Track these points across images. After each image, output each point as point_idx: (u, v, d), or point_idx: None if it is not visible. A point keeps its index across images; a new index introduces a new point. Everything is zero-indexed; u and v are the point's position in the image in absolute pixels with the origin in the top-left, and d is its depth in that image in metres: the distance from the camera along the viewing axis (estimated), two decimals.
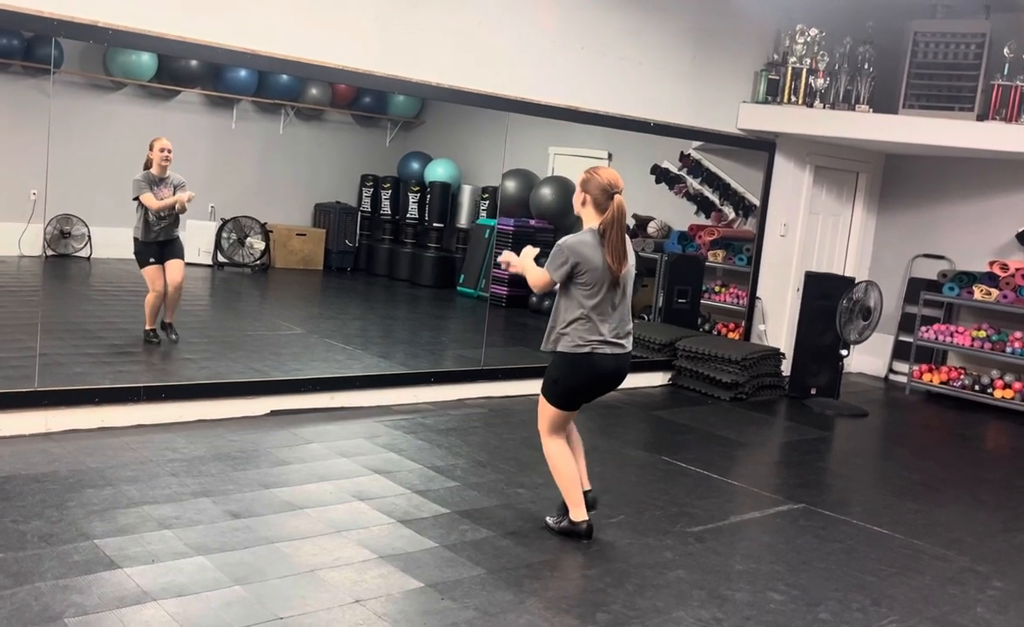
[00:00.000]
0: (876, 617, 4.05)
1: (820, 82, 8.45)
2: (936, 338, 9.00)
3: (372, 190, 12.71)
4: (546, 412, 4.49)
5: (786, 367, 8.71)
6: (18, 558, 3.69)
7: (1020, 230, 8.73)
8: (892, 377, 9.74)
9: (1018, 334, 8.47)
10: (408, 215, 12.37)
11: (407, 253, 12.31)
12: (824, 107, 8.49)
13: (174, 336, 7.25)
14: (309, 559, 3.98)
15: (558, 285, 4.37)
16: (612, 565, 4.28)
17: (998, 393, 8.56)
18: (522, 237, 10.89)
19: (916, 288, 9.36)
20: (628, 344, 4.47)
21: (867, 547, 4.88)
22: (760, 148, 8.86)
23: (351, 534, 4.28)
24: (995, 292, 8.52)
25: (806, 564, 4.56)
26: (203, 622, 3.36)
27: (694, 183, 9.90)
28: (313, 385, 6.35)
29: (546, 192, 11.02)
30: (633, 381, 8.03)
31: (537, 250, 4.57)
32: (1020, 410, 8.45)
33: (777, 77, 8.61)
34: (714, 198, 9.89)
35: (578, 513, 4.49)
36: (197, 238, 10.55)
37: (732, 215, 9.83)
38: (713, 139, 8.70)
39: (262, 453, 5.29)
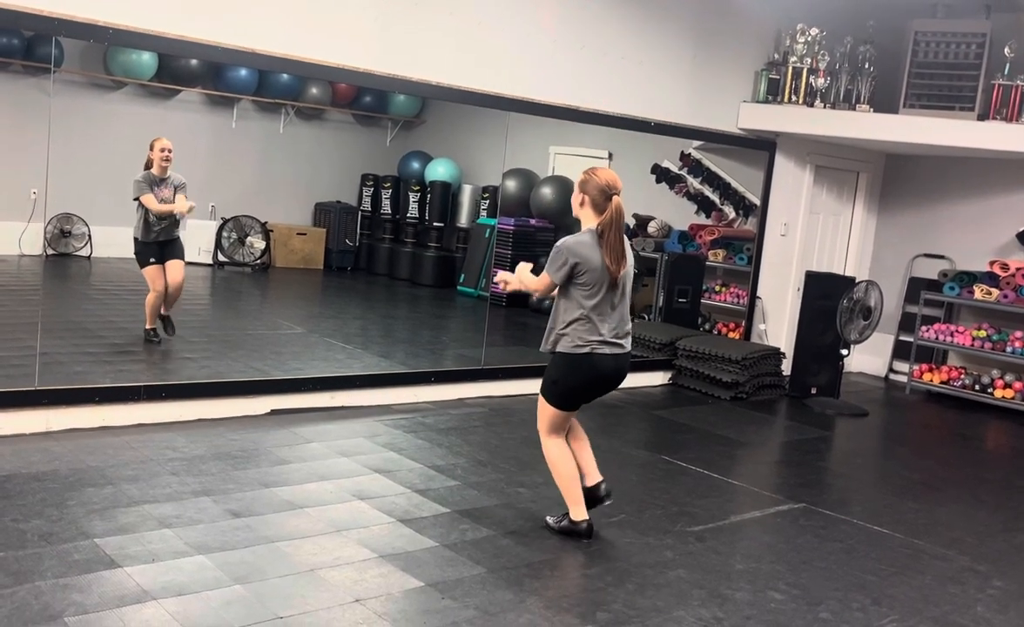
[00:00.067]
0: (876, 616, 4.05)
1: (821, 82, 8.45)
2: (936, 338, 9.00)
3: (372, 189, 12.71)
4: (545, 412, 4.48)
5: (786, 367, 8.71)
6: (18, 557, 3.69)
7: (1020, 230, 8.73)
8: (892, 377, 9.74)
9: (1018, 334, 8.47)
10: (408, 214, 12.37)
11: (407, 252, 12.31)
12: (825, 107, 8.49)
13: (171, 329, 7.25)
14: (309, 558, 3.98)
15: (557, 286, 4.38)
16: (612, 564, 4.28)
17: (998, 393, 8.56)
18: (522, 236, 10.91)
19: (916, 288, 9.36)
20: (627, 344, 4.47)
21: (867, 546, 4.88)
22: (760, 148, 8.85)
23: (351, 533, 4.28)
24: (995, 292, 8.52)
25: (806, 563, 4.56)
26: (203, 621, 3.36)
27: (694, 182, 9.90)
28: (313, 384, 6.35)
29: (546, 191, 11.01)
30: (633, 380, 8.02)
31: (531, 265, 4.59)
32: (1020, 410, 8.45)
33: (778, 76, 8.61)
34: (714, 198, 9.89)
35: (578, 512, 4.49)
36: (197, 237, 10.54)
37: (732, 215, 9.83)
38: (714, 138, 8.70)
39: (262, 452, 5.29)
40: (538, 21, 7.10)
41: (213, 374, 6.52)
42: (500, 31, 6.90)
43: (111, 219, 9.32)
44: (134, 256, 7.15)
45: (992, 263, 8.69)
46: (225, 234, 10.99)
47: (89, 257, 10.06)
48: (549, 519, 4.60)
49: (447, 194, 12.17)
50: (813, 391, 8.41)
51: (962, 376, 8.87)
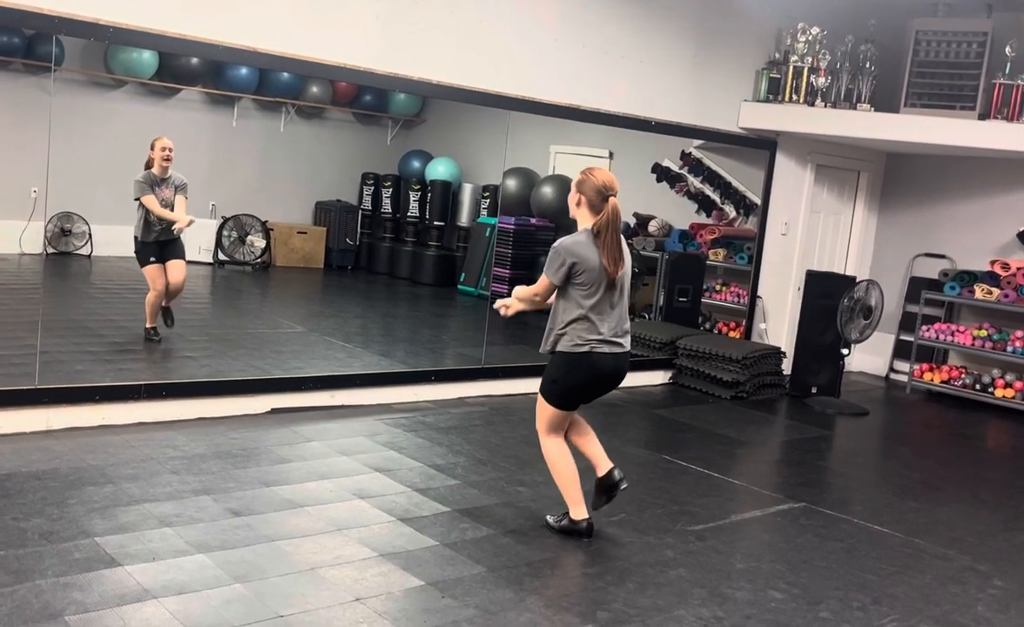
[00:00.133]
0: (877, 616, 4.04)
1: (821, 81, 8.45)
2: (937, 337, 9.00)
3: (373, 188, 12.71)
4: (544, 411, 4.48)
5: (787, 366, 8.70)
6: (19, 556, 3.69)
7: (1021, 229, 8.72)
8: (893, 376, 9.73)
9: (1019, 333, 8.47)
10: (409, 213, 12.37)
11: (408, 251, 12.31)
12: (825, 106, 8.49)
13: (171, 321, 7.25)
14: (310, 557, 3.98)
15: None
16: (613, 563, 4.28)
17: (999, 392, 8.56)
18: (523, 236, 10.90)
19: (917, 287, 9.35)
20: (627, 343, 4.47)
21: (868, 546, 4.88)
22: (761, 147, 8.85)
23: (351, 532, 4.28)
24: (996, 291, 8.52)
25: (807, 563, 4.56)
26: (204, 620, 3.36)
27: (695, 182, 9.90)
28: (314, 383, 6.35)
29: (547, 191, 11.01)
30: (634, 380, 8.02)
31: (522, 286, 4.62)
32: (1021, 409, 8.44)
33: (779, 76, 8.61)
34: (715, 197, 9.89)
35: (578, 511, 4.49)
36: (198, 236, 10.53)
37: (733, 214, 9.83)
38: (714, 138, 8.69)
39: (263, 451, 5.29)
40: (539, 20, 7.10)
41: (213, 373, 6.52)
42: (501, 30, 6.90)
43: (111, 218, 9.32)
44: (134, 255, 7.16)
45: (993, 262, 8.69)
46: (225, 233, 10.99)
47: (89, 256, 10.06)
48: (549, 518, 4.60)
49: (447, 193, 12.17)
50: (813, 390, 8.41)
51: (963, 376, 8.86)
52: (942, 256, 9.36)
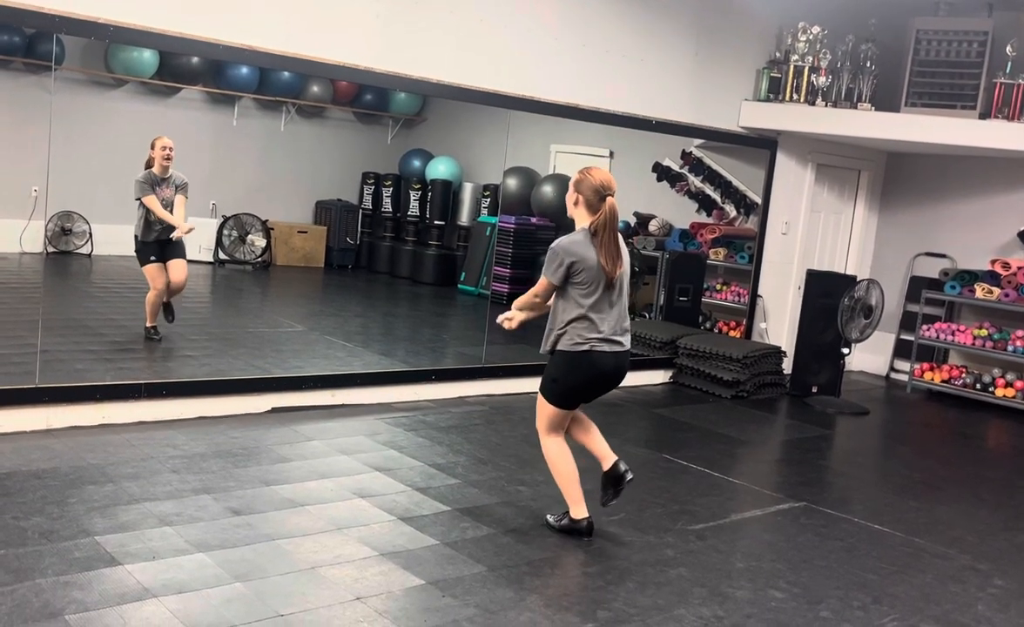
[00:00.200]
0: (877, 615, 4.04)
1: (822, 80, 8.45)
2: (937, 336, 9.00)
3: (373, 187, 12.70)
4: (544, 411, 4.48)
5: (787, 365, 8.70)
6: (19, 554, 3.69)
7: (1022, 229, 8.72)
8: (893, 375, 9.73)
9: (1019, 333, 8.46)
10: (409, 212, 12.37)
11: (408, 251, 12.31)
12: (826, 105, 8.48)
13: (171, 316, 7.25)
14: (310, 556, 3.98)
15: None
16: (613, 563, 4.27)
17: (999, 392, 8.56)
18: (523, 235, 10.90)
19: (917, 286, 9.35)
20: (627, 342, 4.47)
21: (868, 545, 4.88)
22: (762, 146, 8.85)
23: (352, 531, 4.28)
24: (996, 291, 8.52)
25: (807, 562, 4.56)
26: (204, 619, 3.36)
27: (695, 181, 9.90)
28: (314, 382, 6.35)
29: (547, 190, 11.01)
30: (634, 379, 8.02)
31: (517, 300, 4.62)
32: (1021, 409, 8.44)
33: (779, 75, 8.61)
34: (715, 196, 9.89)
35: (578, 510, 4.49)
36: (198, 235, 10.50)
37: (733, 213, 9.83)
38: (715, 137, 8.69)
39: (263, 450, 5.29)
40: (539, 19, 7.10)
41: (214, 372, 6.52)
42: (501, 29, 6.90)
43: (112, 217, 9.32)
44: (135, 254, 7.16)
45: (993, 262, 8.69)
46: (226, 232, 10.99)
47: (90, 255, 10.06)
48: (549, 517, 4.60)
49: (448, 192, 12.17)
50: (814, 390, 8.41)
51: (963, 375, 8.86)
52: (943, 255, 9.36)
